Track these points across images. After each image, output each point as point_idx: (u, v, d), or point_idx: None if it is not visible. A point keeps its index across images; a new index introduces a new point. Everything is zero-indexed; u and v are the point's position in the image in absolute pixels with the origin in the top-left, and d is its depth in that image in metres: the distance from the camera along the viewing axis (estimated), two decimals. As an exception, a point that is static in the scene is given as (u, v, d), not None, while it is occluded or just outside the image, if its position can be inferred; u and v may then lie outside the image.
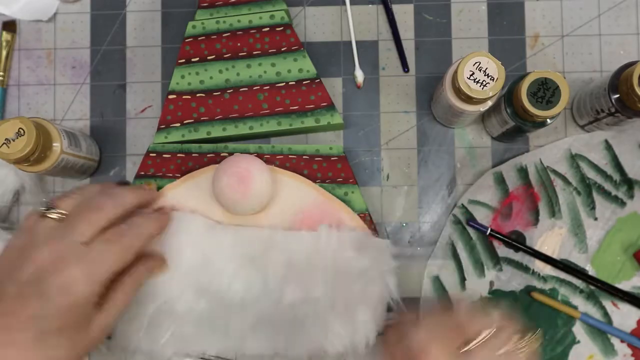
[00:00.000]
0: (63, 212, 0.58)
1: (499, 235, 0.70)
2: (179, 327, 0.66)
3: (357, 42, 0.73)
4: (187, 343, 0.66)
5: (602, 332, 0.69)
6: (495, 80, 0.60)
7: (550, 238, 0.70)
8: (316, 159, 0.70)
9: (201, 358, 0.68)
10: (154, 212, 0.66)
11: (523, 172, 0.71)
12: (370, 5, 0.74)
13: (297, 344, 0.66)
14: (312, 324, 0.65)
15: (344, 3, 0.74)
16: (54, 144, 0.65)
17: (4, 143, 0.61)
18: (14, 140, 0.61)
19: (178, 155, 0.70)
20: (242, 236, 0.67)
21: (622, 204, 0.70)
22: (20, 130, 0.61)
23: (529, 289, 0.70)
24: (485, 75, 0.60)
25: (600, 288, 0.69)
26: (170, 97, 0.71)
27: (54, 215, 0.58)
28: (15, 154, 0.61)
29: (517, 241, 0.70)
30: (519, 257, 0.70)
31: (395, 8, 0.73)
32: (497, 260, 0.70)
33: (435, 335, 0.57)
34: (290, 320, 0.66)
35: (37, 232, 0.57)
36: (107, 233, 0.58)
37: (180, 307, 0.66)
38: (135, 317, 0.66)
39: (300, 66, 0.71)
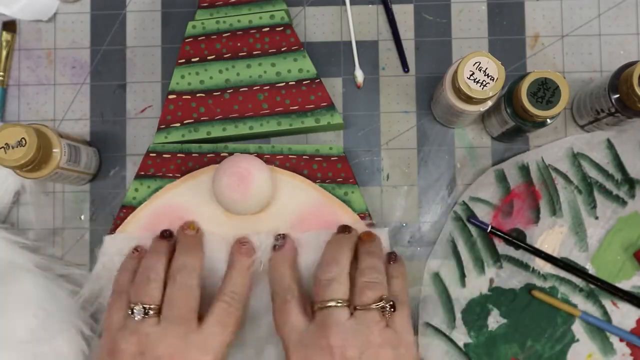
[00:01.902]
0: (156, 306, 0.60)
1: (499, 233, 0.70)
2: None
3: (357, 42, 0.73)
4: None
5: (601, 331, 0.69)
6: (495, 80, 0.60)
7: (551, 236, 0.71)
8: (316, 159, 0.70)
9: None
10: (239, 255, 0.66)
11: (524, 170, 0.71)
12: (370, 5, 0.74)
13: None
14: None
15: (344, 3, 0.74)
16: (52, 159, 0.65)
17: (2, 147, 0.61)
18: (13, 148, 0.61)
19: (178, 155, 0.70)
20: None
21: (623, 203, 0.70)
22: (23, 140, 0.61)
23: (529, 287, 0.70)
24: (485, 75, 0.60)
25: (600, 287, 0.69)
26: (170, 97, 0.71)
27: (152, 313, 0.59)
28: (10, 162, 0.61)
29: (517, 239, 0.70)
30: (519, 254, 0.70)
31: (395, 8, 0.73)
32: (497, 257, 0.70)
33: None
34: None
35: (147, 331, 0.58)
36: (215, 314, 0.60)
37: None
38: None
39: (300, 66, 0.71)
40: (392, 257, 0.64)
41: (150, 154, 0.70)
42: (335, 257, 0.61)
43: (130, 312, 0.59)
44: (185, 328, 0.58)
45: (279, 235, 0.66)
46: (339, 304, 0.57)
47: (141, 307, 0.59)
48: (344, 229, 0.66)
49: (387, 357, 0.56)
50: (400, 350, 0.57)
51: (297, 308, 0.59)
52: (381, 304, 0.58)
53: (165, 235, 0.66)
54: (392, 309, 0.58)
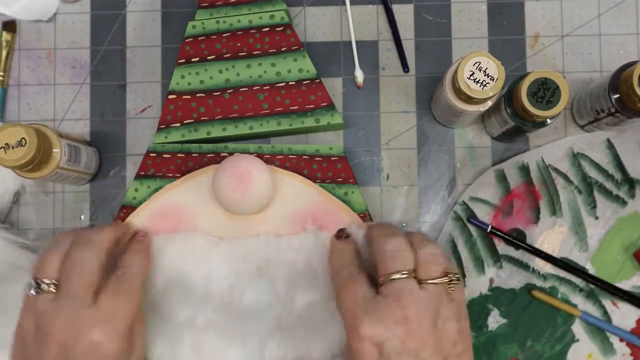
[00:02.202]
0: (54, 281, 0.58)
1: (499, 233, 0.70)
2: (199, 341, 0.66)
3: (357, 42, 0.73)
4: (208, 355, 0.66)
5: (601, 331, 0.69)
6: (495, 80, 0.60)
7: (551, 236, 0.71)
8: (316, 159, 0.70)
9: None
10: (134, 242, 0.66)
11: (524, 170, 0.71)
12: (370, 5, 0.74)
13: (319, 346, 0.65)
14: (331, 323, 0.65)
15: (344, 3, 0.74)
16: (52, 159, 0.65)
17: (2, 147, 0.61)
18: (13, 148, 0.61)
19: (178, 155, 0.70)
20: (246, 247, 0.67)
21: (623, 203, 0.70)
22: (23, 140, 0.61)
23: (529, 287, 0.70)
24: (485, 75, 0.60)
25: (600, 287, 0.69)
26: (170, 97, 0.71)
27: (48, 289, 0.58)
28: (10, 162, 0.61)
29: (517, 239, 0.70)
30: (519, 254, 0.70)
31: (395, 8, 0.73)
32: (497, 257, 0.70)
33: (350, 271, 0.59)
34: (308, 323, 0.65)
35: (40, 310, 0.57)
36: (108, 286, 0.59)
37: (199, 322, 0.66)
38: (156, 336, 0.66)
39: (300, 66, 0.71)
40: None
41: (150, 154, 0.70)
42: (390, 230, 0.60)
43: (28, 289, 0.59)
44: (78, 304, 0.56)
45: (343, 229, 0.65)
46: (408, 275, 0.56)
47: (33, 282, 0.58)
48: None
49: (453, 329, 0.55)
50: (462, 323, 0.56)
51: (366, 281, 0.57)
52: (449, 277, 0.56)
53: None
54: (457, 282, 0.57)
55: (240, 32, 0.71)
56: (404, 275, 0.56)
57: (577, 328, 0.70)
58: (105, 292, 0.58)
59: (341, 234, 0.65)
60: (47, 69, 0.74)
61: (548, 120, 0.63)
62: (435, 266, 0.57)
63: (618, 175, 0.70)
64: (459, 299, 0.57)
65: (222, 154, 0.70)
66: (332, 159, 0.70)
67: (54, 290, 0.57)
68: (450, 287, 0.57)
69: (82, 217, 0.73)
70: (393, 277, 0.56)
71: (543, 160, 0.71)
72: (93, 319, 0.56)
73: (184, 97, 0.71)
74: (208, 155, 0.70)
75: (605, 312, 0.70)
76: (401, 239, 0.58)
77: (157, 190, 0.70)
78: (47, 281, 0.58)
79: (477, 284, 0.70)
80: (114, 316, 0.57)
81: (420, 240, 0.59)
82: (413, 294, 0.55)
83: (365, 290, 0.56)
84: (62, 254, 0.60)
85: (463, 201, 0.71)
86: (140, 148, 0.73)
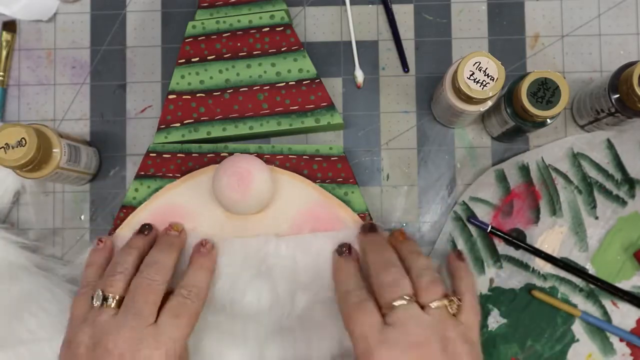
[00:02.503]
0: (118, 297, 0.59)
1: (499, 233, 0.70)
2: (199, 342, 0.66)
3: (357, 42, 0.73)
4: (208, 355, 0.66)
5: (601, 331, 0.69)
6: (495, 80, 0.60)
7: (551, 236, 0.71)
8: (316, 159, 0.70)
9: None
10: (200, 254, 0.66)
11: (524, 170, 0.71)
12: (370, 5, 0.74)
13: (319, 347, 0.65)
14: (331, 324, 0.65)
15: (344, 3, 0.74)
16: (52, 159, 0.65)
17: (2, 147, 0.61)
18: (13, 148, 0.61)
19: (178, 155, 0.70)
20: (246, 248, 0.67)
21: (623, 203, 0.70)
22: (23, 140, 0.61)
23: (529, 287, 0.70)
24: (485, 75, 0.60)
25: (600, 287, 0.69)
26: (170, 97, 0.71)
27: (111, 304, 0.59)
28: (10, 162, 0.61)
29: (517, 239, 0.70)
30: (519, 254, 0.70)
31: (395, 8, 0.73)
32: (497, 257, 0.70)
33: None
34: (308, 323, 0.66)
35: (102, 323, 0.58)
36: (171, 305, 0.60)
37: (199, 323, 0.65)
38: None
39: (300, 66, 0.71)
40: (459, 255, 0.65)
41: (150, 154, 0.70)
42: (388, 258, 0.61)
43: (91, 300, 0.60)
44: (141, 322, 0.58)
45: (344, 244, 0.65)
46: (409, 300, 0.57)
47: (100, 293, 0.59)
48: (372, 229, 0.65)
49: (463, 351, 0.56)
50: (474, 347, 0.57)
51: (374, 307, 0.58)
52: (449, 299, 0.58)
53: (143, 230, 0.67)
54: (460, 301, 0.58)
55: (240, 32, 0.71)
56: (405, 301, 0.57)
57: (577, 328, 0.70)
58: (168, 312, 0.59)
59: (342, 249, 0.65)
60: (47, 69, 0.74)
61: (548, 120, 0.63)
62: (435, 289, 0.58)
63: (618, 175, 0.70)
64: (467, 322, 0.58)
65: (222, 154, 0.70)
66: (332, 159, 0.70)
67: (116, 307, 0.59)
68: (451, 309, 0.58)
69: (82, 217, 0.73)
70: (395, 304, 0.57)
71: (543, 160, 0.71)
72: (153, 338, 0.57)
73: (184, 97, 0.71)
74: (208, 155, 0.70)
75: (605, 312, 0.70)
76: (397, 269, 0.59)
77: (157, 190, 0.70)
78: (113, 296, 0.59)
79: (477, 284, 0.70)
80: (172, 335, 0.58)
81: (418, 268, 0.60)
82: (417, 318, 0.56)
83: (376, 318, 0.57)
84: (130, 273, 0.61)
85: (463, 201, 0.71)
86: (140, 148, 0.73)
